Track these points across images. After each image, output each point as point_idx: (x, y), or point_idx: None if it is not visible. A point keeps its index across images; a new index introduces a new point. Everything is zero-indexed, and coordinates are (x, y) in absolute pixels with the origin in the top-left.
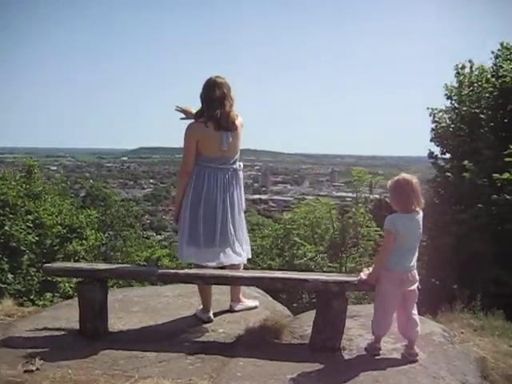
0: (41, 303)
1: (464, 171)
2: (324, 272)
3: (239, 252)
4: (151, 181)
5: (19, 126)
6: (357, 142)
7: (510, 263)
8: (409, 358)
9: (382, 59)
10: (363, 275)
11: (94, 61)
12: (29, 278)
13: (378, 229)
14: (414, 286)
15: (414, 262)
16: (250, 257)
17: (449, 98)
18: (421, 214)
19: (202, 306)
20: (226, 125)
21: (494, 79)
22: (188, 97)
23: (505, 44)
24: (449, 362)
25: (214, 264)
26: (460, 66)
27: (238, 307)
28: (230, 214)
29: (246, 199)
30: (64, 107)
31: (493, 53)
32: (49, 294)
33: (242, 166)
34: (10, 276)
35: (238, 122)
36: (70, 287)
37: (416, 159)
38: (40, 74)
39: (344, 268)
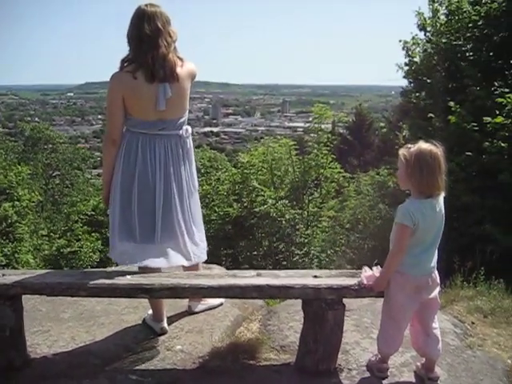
0: None
1: (448, 113)
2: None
3: (190, 249)
4: (99, 117)
5: None
6: (307, 71)
7: (503, 219)
8: (427, 383)
9: None
10: (365, 278)
11: None
12: None
13: (342, 170)
14: (436, 292)
15: (434, 262)
16: (205, 253)
17: (422, 28)
18: (442, 198)
19: (150, 311)
20: (163, 74)
21: (478, 6)
22: None
23: None
24: (474, 378)
25: (156, 266)
26: None
27: (199, 308)
28: (177, 197)
29: (196, 133)
30: (5, 40)
31: None
32: None
33: (189, 130)
34: None
35: (182, 69)
36: (3, 255)
37: (365, 88)
38: None
39: (306, 213)
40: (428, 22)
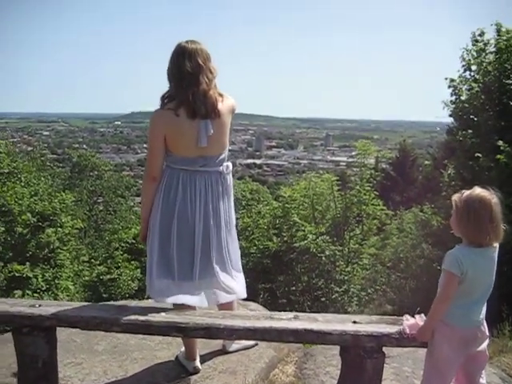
0: None
1: (496, 153)
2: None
3: (230, 285)
4: (145, 145)
5: (11, 90)
6: (351, 106)
7: None
8: None
9: (385, 21)
10: (407, 327)
11: (87, 22)
12: None
13: (384, 207)
14: (484, 345)
15: (483, 314)
16: (243, 291)
17: (468, 68)
18: (497, 248)
19: (183, 349)
20: (204, 111)
21: None
22: None
23: None
24: None
25: (194, 304)
26: (478, 32)
27: (233, 347)
28: (215, 234)
29: (239, 164)
30: (56, 72)
31: None
32: (18, 292)
33: (230, 167)
34: None
35: (222, 105)
36: (44, 281)
37: (410, 123)
38: (30, 36)
39: (347, 249)
40: (473, 61)
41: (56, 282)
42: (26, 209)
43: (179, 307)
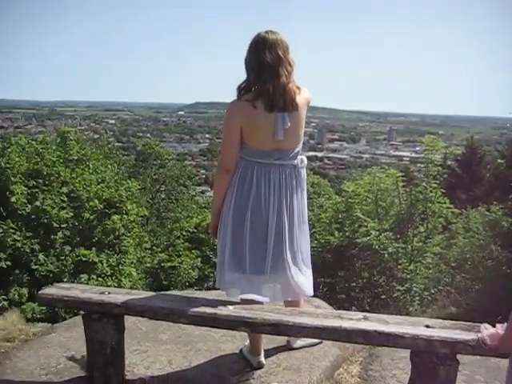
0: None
1: None
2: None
3: (300, 281)
4: (207, 136)
5: (81, 80)
6: (416, 99)
7: None
8: None
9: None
10: (487, 337)
11: (149, 11)
12: (62, 257)
13: (451, 206)
14: None
15: None
16: (311, 288)
17: None
18: None
19: (247, 342)
20: (283, 104)
21: None
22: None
23: None
24: None
25: (264, 299)
26: None
27: (298, 343)
28: (288, 229)
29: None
30: (122, 63)
31: None
32: (84, 276)
33: (305, 161)
34: (41, 256)
35: (300, 98)
36: (109, 266)
37: (478, 119)
38: (100, 27)
39: (410, 247)
40: None
41: (120, 267)
42: (94, 195)
43: (247, 301)
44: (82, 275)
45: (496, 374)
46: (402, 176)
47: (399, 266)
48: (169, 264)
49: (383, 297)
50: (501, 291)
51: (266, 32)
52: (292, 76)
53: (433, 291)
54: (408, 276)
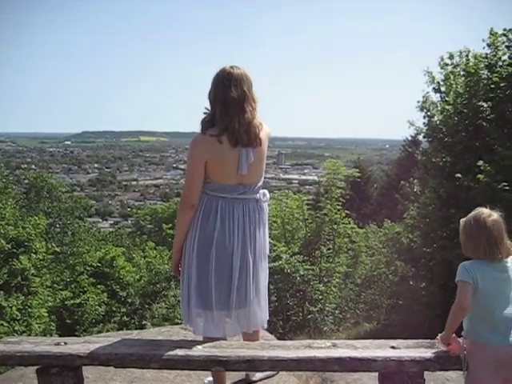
0: None
1: (473, 173)
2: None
3: (258, 316)
4: (96, 165)
5: None
6: (302, 124)
7: None
8: None
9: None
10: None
11: (31, 37)
12: None
13: (355, 226)
14: None
15: None
16: (266, 319)
17: (437, 90)
18: (510, 263)
19: (209, 380)
20: (247, 139)
21: (499, 69)
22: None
23: (495, 30)
24: None
25: (228, 335)
26: (447, 55)
27: (257, 376)
28: (252, 263)
29: None
30: (3, 88)
31: (484, 41)
32: None
33: (267, 195)
34: None
35: (262, 133)
36: (18, 309)
37: (360, 141)
38: None
39: (319, 268)
40: (441, 83)
41: (29, 310)
42: None
43: (210, 338)
44: None
45: None
46: (307, 200)
47: (310, 288)
48: (72, 301)
49: (295, 318)
50: (413, 304)
51: (232, 67)
52: (256, 112)
53: (346, 308)
54: (320, 296)
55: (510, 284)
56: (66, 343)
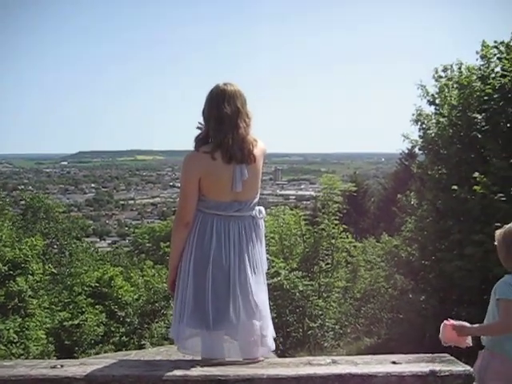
0: None
1: (469, 184)
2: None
3: (264, 336)
4: (92, 185)
5: None
6: (298, 140)
7: None
8: None
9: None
10: (448, 323)
11: (20, 58)
12: None
13: (353, 240)
14: None
15: None
16: (273, 343)
17: (432, 103)
18: None
19: None
20: (241, 156)
21: (492, 81)
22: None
23: (487, 43)
24: None
25: (232, 357)
26: (441, 68)
27: None
28: (250, 282)
29: None
30: None
31: (478, 53)
32: None
33: (263, 211)
34: None
35: (257, 150)
36: (15, 332)
37: (355, 155)
38: None
39: (317, 284)
40: (436, 96)
41: (26, 332)
42: None
43: (209, 359)
44: None
45: None
46: (304, 215)
47: (310, 304)
48: (71, 322)
49: (295, 335)
50: (417, 318)
51: (225, 84)
52: (250, 128)
53: (346, 323)
54: (320, 312)
55: None
56: (62, 366)
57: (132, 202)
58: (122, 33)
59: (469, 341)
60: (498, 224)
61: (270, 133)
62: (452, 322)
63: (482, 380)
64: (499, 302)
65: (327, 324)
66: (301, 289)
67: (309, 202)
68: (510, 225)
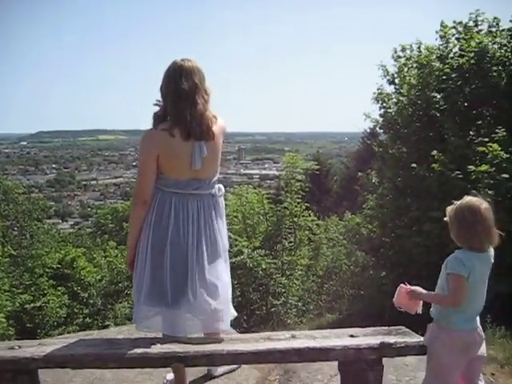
0: None
1: (428, 162)
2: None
3: (220, 312)
4: (54, 166)
5: None
6: (262, 119)
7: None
8: None
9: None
10: (404, 287)
11: None
12: None
13: (316, 218)
14: (483, 348)
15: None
16: (229, 320)
17: (391, 82)
18: (492, 252)
19: (170, 377)
20: (199, 132)
21: (450, 60)
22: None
23: (445, 23)
24: None
25: (192, 333)
26: (400, 48)
27: (219, 371)
28: (208, 259)
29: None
30: None
31: (437, 32)
32: None
33: (222, 189)
34: None
35: (216, 126)
36: None
37: (319, 135)
38: None
39: (281, 262)
40: (395, 75)
41: None
42: None
43: (169, 336)
44: None
45: (404, 371)
46: (267, 194)
47: (273, 281)
48: (33, 305)
49: (259, 312)
50: (377, 293)
51: (182, 60)
52: (208, 104)
53: (308, 300)
54: (283, 290)
55: (488, 275)
56: (20, 347)
57: (94, 182)
58: (80, 7)
59: (419, 308)
60: (455, 201)
61: (233, 112)
62: (408, 286)
63: (430, 351)
64: (449, 277)
65: (290, 301)
66: (264, 267)
67: (272, 181)
68: (460, 201)
